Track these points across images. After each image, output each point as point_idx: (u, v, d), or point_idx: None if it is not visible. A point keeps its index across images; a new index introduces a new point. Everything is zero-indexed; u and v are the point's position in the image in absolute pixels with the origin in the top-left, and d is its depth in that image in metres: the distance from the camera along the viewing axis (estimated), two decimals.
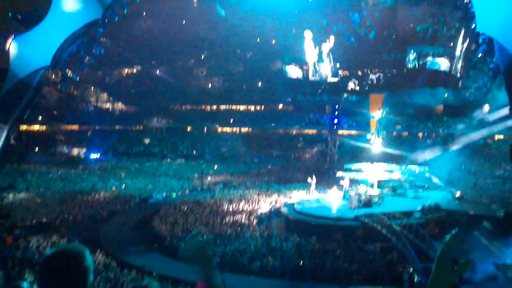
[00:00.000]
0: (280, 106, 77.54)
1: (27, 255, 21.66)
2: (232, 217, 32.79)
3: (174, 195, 44.13)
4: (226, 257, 23.81)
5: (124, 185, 46.85)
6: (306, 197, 39.56)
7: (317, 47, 68.41)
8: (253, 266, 22.92)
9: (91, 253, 2.72)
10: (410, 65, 68.24)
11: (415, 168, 38.77)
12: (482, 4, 15.21)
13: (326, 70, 68.93)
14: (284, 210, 33.89)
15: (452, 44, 64.69)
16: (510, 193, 36.90)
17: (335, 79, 69.63)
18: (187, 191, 46.03)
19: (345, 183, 37.34)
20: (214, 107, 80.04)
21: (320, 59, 68.42)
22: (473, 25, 15.85)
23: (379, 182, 36.09)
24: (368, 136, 46.58)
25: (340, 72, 70.81)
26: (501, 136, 53.42)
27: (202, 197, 40.33)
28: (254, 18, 73.48)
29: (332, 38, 68.05)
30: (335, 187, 37.35)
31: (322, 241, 26.44)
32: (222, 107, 79.41)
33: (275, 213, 35.14)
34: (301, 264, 22.73)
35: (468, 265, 2.32)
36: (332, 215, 30.89)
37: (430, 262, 19.37)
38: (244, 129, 73.47)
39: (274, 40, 79.47)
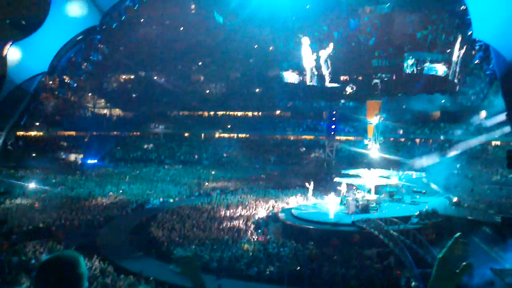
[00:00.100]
0: (278, 112, 77.59)
1: (23, 261, 21.60)
2: (229, 223, 32.80)
3: (171, 200, 44.11)
4: (223, 262, 23.80)
5: (121, 190, 46.75)
6: (303, 202, 39.56)
7: (315, 53, 68.63)
8: (250, 272, 22.91)
9: (88, 259, 2.74)
10: (407, 71, 68.45)
11: (412, 174, 38.84)
12: (479, 11, 15.28)
13: (323, 76, 69.15)
14: (281, 215, 33.91)
15: (449, 50, 64.97)
16: (507, 199, 36.92)
17: (332, 85, 69.81)
18: (185, 196, 46.01)
19: (342, 188, 37.39)
20: (212, 113, 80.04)
21: (317, 65, 68.64)
22: (470, 32, 15.92)
23: (376, 187, 36.15)
24: (365, 142, 46.68)
25: (337, 77, 70.98)
26: (498, 142, 53.52)
27: (199, 203, 40.31)
28: (252, 25, 73.86)
29: (331, 45, 68.33)
30: (332, 193, 37.37)
31: (320, 246, 26.49)
32: (220, 113, 79.41)
33: (272, 218, 35.15)
34: (298, 269, 22.73)
35: (469, 269, 2.34)
36: (330, 221, 30.95)
37: (427, 267, 19.45)
38: (242, 135, 73.45)
39: (271, 47, 79.78)
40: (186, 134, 75.93)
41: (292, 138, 70.86)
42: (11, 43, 17.65)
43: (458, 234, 2.40)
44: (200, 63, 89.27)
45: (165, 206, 40.38)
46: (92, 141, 74.11)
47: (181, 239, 28.45)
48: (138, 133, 77.79)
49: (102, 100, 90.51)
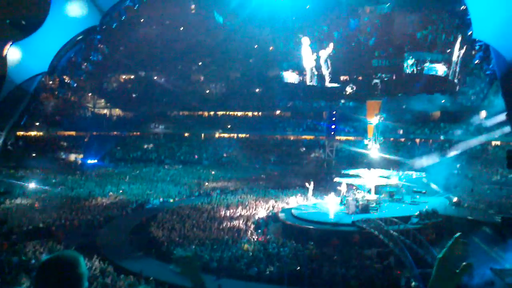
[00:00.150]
0: (278, 112, 77.58)
1: (23, 261, 21.61)
2: (229, 223, 32.81)
3: (171, 200, 44.12)
4: (223, 262, 23.80)
5: (121, 190, 46.76)
6: (303, 202, 39.57)
7: (315, 53, 68.64)
8: (250, 272, 22.91)
9: (88, 259, 2.75)
10: (407, 71, 68.44)
11: (412, 174, 38.84)
12: (479, 11, 15.28)
13: (323, 76, 69.18)
14: (281, 215, 33.91)
15: (449, 50, 64.98)
16: (507, 199, 36.93)
17: (332, 85, 69.82)
18: (184, 196, 46.03)
19: (342, 188, 37.40)
20: (212, 113, 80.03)
21: (317, 65, 68.66)
22: (470, 32, 15.93)
23: (376, 187, 36.15)
24: (365, 142, 46.69)
25: (337, 77, 70.98)
26: (498, 142, 53.53)
27: (199, 203, 40.31)
28: (252, 25, 73.87)
29: (331, 45, 68.32)
30: (332, 193, 37.37)
31: (320, 246, 26.49)
32: (220, 113, 79.40)
33: (272, 218, 35.16)
34: (298, 269, 22.73)
35: (469, 269, 2.33)
36: (330, 221, 30.95)
37: (427, 267, 19.45)
38: (242, 135, 73.45)
39: (271, 47, 79.78)
40: (186, 134, 75.91)
41: (292, 138, 70.87)
42: (11, 43, 17.66)
43: (458, 234, 2.40)
44: (200, 63, 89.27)
45: (165, 206, 40.39)
46: (92, 141, 74.12)
47: (181, 239, 28.46)
48: (138, 133, 77.78)
49: (102, 100, 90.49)
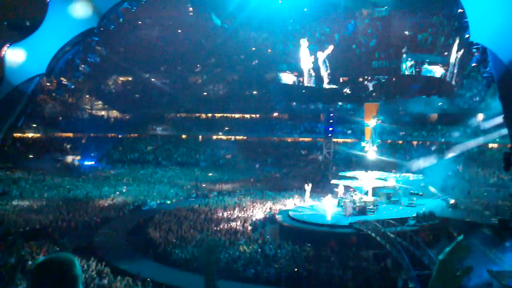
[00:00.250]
0: (275, 114, 77.54)
1: (20, 262, 21.52)
2: (226, 224, 32.81)
3: (168, 202, 44.09)
4: (220, 264, 23.79)
5: (118, 192, 46.70)
6: (300, 204, 39.58)
7: (313, 56, 68.63)
8: (247, 273, 22.92)
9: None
10: (405, 73, 68.42)
11: (410, 176, 38.89)
12: (476, 14, 15.36)
13: (321, 78, 69.19)
14: (278, 217, 33.92)
15: (446, 53, 65.02)
16: (504, 201, 37.00)
17: (331, 87, 69.80)
18: (182, 198, 46.00)
19: (339, 190, 37.43)
20: (210, 115, 79.93)
21: (315, 66, 68.66)
22: (467, 35, 16.01)
23: (373, 189, 36.20)
24: (363, 144, 46.71)
25: (335, 79, 70.95)
26: (495, 145, 53.62)
27: (196, 204, 40.29)
28: (250, 28, 73.91)
29: (330, 47, 68.32)
30: (329, 195, 37.39)
31: (317, 248, 26.50)
32: (217, 115, 79.32)
33: (269, 220, 35.15)
34: (295, 271, 22.73)
35: (470, 272, 2.35)
36: (327, 222, 30.96)
37: (424, 269, 19.47)
38: (239, 137, 73.39)
39: (269, 49, 79.78)
40: (184, 136, 75.83)
41: (289, 140, 70.85)
42: (8, 44, 17.66)
43: (460, 238, 2.41)
44: (198, 65, 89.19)
45: (162, 208, 40.37)
46: (89, 143, 74.00)
47: (178, 241, 28.45)
48: (136, 135, 77.69)
49: (100, 102, 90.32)
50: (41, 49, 17.91)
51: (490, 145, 54.40)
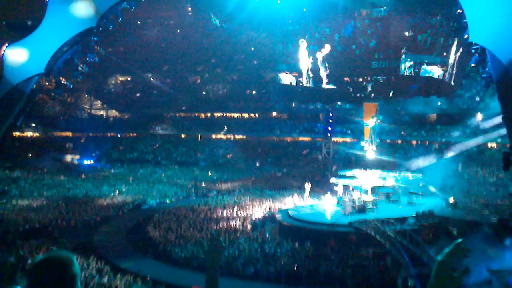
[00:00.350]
0: (274, 114, 77.55)
1: (19, 261, 21.52)
2: (226, 223, 32.83)
3: (168, 201, 44.11)
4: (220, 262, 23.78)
5: (117, 191, 46.71)
6: (300, 203, 39.59)
7: (311, 57, 68.58)
8: (247, 271, 22.95)
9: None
10: (404, 73, 68.39)
11: (409, 175, 38.90)
12: (475, 15, 15.37)
13: (320, 78, 69.14)
14: (278, 216, 33.92)
15: (445, 53, 65.00)
16: (503, 200, 37.06)
17: (329, 87, 69.76)
18: (181, 197, 46.03)
19: (339, 189, 37.45)
20: (209, 114, 79.91)
21: (314, 66, 68.62)
22: (466, 35, 16.01)
23: (373, 188, 36.20)
24: (362, 143, 46.77)
25: (334, 79, 70.90)
26: (494, 144, 53.66)
27: (196, 203, 40.31)
28: (248, 28, 73.87)
29: (328, 46, 68.26)
30: (329, 194, 37.41)
31: (316, 246, 26.51)
32: (217, 114, 79.32)
33: (269, 219, 35.16)
34: (295, 269, 22.76)
35: (467, 273, 2.37)
36: (326, 221, 30.97)
37: (424, 266, 19.51)
38: (238, 136, 73.41)
39: (268, 49, 79.69)
40: (183, 136, 75.82)
41: (289, 139, 70.87)
42: (7, 44, 17.66)
43: (459, 240, 2.43)
44: (197, 65, 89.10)
45: (161, 207, 40.40)
46: (88, 142, 74.00)
47: (177, 239, 28.47)
48: (135, 134, 77.69)
49: (99, 102, 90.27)
50: (40, 48, 17.89)
51: (489, 145, 54.48)
